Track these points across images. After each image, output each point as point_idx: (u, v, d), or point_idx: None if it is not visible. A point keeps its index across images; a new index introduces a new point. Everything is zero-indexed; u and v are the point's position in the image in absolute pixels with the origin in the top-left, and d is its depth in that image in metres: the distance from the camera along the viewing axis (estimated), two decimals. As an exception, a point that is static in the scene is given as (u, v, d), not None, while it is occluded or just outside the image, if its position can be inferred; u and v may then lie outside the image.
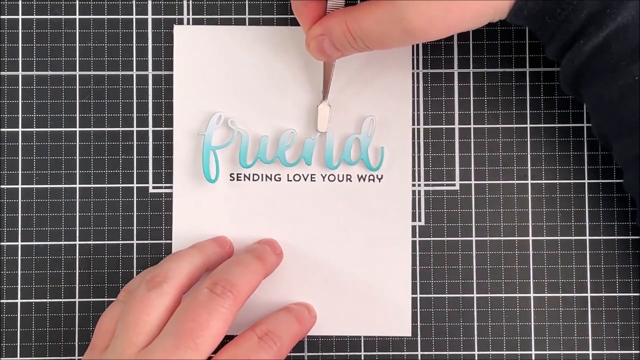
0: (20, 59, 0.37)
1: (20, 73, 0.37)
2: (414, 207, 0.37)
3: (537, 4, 0.30)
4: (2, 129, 0.37)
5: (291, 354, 0.36)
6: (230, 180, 0.37)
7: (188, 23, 0.37)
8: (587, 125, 0.37)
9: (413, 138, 0.37)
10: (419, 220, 0.37)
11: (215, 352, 0.31)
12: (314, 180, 0.37)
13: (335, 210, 0.37)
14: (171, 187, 0.37)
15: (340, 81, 0.37)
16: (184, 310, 0.31)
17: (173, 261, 0.33)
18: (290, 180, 0.37)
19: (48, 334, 0.37)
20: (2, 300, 0.37)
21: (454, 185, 0.37)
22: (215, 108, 0.37)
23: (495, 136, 0.37)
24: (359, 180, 0.37)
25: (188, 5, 0.37)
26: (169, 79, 0.37)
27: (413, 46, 0.37)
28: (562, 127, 0.37)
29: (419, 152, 0.37)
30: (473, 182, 0.37)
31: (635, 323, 0.37)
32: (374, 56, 0.36)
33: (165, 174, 0.37)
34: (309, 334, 0.36)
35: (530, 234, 0.37)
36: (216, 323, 0.30)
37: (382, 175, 0.37)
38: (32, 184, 0.37)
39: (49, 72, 0.37)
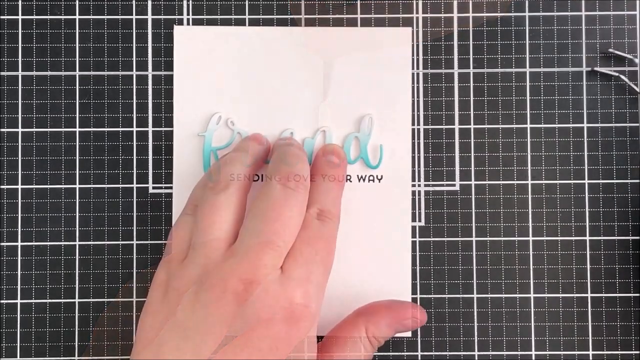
0: (20, 59, 0.37)
1: (20, 73, 0.37)
2: (414, 208, 0.37)
3: None
4: (2, 129, 0.37)
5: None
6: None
7: (188, 23, 0.37)
8: (587, 125, 0.37)
9: (413, 138, 0.37)
10: (419, 221, 0.37)
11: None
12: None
13: (335, 210, 0.37)
14: (171, 188, 0.37)
15: (340, 81, 0.37)
16: (262, 208, 0.32)
17: (227, 165, 0.34)
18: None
19: (48, 334, 0.37)
20: (2, 301, 0.37)
21: (454, 185, 0.37)
22: (215, 108, 0.37)
23: (495, 136, 0.37)
24: (359, 181, 0.37)
25: (188, 5, 0.37)
26: (169, 79, 0.37)
27: (413, 46, 0.37)
28: (562, 127, 0.37)
29: (419, 152, 0.37)
30: (473, 182, 0.37)
31: (636, 324, 0.37)
32: (374, 56, 0.36)
33: (165, 174, 0.37)
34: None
35: (530, 235, 0.37)
36: (295, 217, 0.32)
37: (381, 176, 0.37)
38: (32, 184, 0.37)
39: (49, 72, 0.37)
